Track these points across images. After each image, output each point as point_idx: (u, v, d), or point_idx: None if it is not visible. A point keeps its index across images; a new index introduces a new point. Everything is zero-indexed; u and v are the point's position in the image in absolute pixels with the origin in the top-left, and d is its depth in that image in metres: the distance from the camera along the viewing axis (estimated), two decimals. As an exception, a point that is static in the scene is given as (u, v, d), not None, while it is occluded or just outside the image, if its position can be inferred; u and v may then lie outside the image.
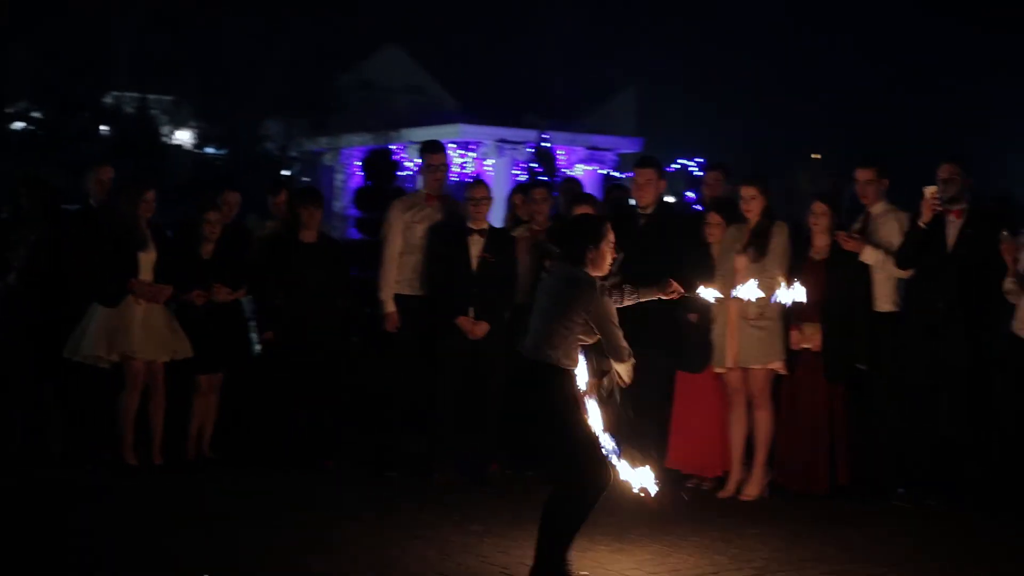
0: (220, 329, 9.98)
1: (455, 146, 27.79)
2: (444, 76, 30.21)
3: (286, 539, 7.65)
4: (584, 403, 6.60)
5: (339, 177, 29.25)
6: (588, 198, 10.02)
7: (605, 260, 6.71)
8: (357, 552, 7.35)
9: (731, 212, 9.54)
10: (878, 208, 9.45)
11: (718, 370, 9.40)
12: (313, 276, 9.97)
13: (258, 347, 10.46)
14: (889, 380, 9.28)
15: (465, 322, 9.53)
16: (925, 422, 9.16)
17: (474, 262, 9.60)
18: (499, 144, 26.04)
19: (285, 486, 9.25)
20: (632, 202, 10.41)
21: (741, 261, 9.28)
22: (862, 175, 9.48)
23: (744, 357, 9.26)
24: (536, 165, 24.20)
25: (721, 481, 9.45)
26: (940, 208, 8.88)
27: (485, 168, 27.72)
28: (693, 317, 9.38)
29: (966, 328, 8.96)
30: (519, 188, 10.84)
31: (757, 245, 9.31)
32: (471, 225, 9.66)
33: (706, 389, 9.54)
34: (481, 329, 9.53)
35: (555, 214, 10.29)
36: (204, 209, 10.01)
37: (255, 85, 24.53)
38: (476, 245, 9.62)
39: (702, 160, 30.42)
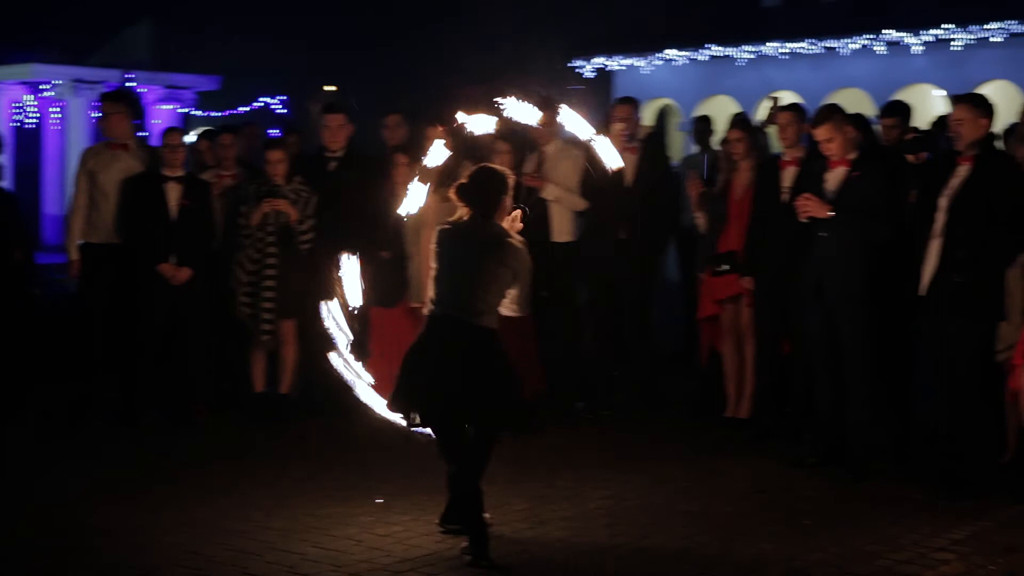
0: None
1: (25, 87, 26.62)
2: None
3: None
4: None
5: None
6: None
7: (506, 210, 6.88)
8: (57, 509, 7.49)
9: (416, 153, 9.98)
10: (552, 147, 10.18)
11: (414, 305, 9.89)
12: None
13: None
14: (567, 306, 10.14)
15: (167, 268, 9.60)
16: (602, 344, 10.14)
17: (173, 209, 9.66)
18: (76, 84, 25.14)
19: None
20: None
21: (434, 200, 9.74)
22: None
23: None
24: (120, 106, 23.58)
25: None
26: (625, 145, 9.74)
27: (52, 112, 26.68)
28: (386, 254, 9.81)
29: (640, 258, 9.93)
30: (205, 134, 10.90)
31: (448, 184, 9.78)
32: (167, 172, 9.70)
33: (400, 323, 10.01)
34: (184, 274, 9.63)
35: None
36: None
37: None
38: (174, 191, 9.67)
39: (285, 97, 30.62)
